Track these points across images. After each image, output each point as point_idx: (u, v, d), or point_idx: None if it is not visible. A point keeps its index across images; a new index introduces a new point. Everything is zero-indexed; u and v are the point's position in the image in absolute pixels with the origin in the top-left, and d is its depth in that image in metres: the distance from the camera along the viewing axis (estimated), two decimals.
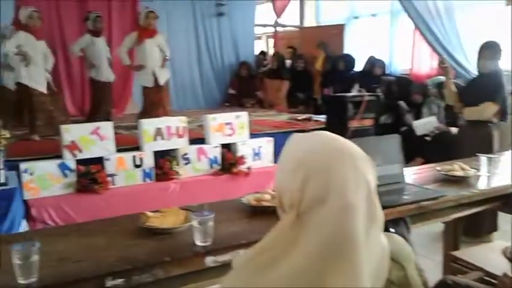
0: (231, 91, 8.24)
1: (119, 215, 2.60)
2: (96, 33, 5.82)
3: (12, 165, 3.46)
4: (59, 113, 5.16)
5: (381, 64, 6.82)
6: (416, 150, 4.72)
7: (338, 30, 8.15)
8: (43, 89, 4.86)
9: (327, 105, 5.33)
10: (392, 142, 2.25)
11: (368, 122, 5.06)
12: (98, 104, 5.94)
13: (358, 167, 0.89)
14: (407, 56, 7.28)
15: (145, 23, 5.36)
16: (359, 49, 7.79)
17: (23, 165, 3.59)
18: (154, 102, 5.44)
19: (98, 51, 5.80)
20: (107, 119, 5.81)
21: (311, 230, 0.86)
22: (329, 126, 5.00)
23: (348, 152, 0.92)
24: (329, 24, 8.61)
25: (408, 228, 2.13)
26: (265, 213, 2.02)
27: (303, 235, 0.87)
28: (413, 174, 2.56)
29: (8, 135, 3.07)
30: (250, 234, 1.81)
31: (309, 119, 5.58)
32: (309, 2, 9.49)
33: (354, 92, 5.93)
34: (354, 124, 4.87)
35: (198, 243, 1.68)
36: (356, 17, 8.29)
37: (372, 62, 6.81)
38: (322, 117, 5.46)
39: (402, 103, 5.11)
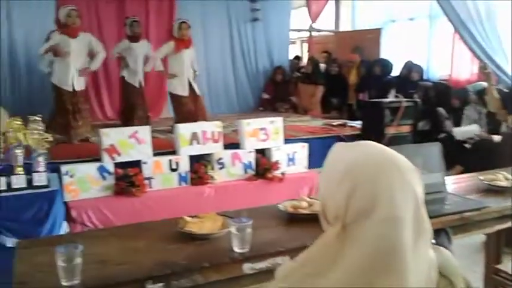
0: (265, 96, 8.25)
1: (157, 219, 2.65)
2: (133, 38, 5.93)
3: (53, 167, 3.56)
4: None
5: (419, 69, 6.69)
6: (456, 157, 4.60)
7: (374, 34, 8.06)
8: (70, 88, 4.88)
9: (362, 110, 5.25)
10: (433, 150, 2.20)
11: (405, 129, 4.96)
12: (133, 108, 6.03)
13: (405, 178, 0.88)
14: (446, 61, 7.12)
15: (179, 34, 5.45)
16: (396, 54, 7.66)
17: (64, 168, 3.69)
18: (192, 112, 5.47)
19: (134, 56, 5.91)
20: (145, 123, 5.95)
21: (357, 242, 0.85)
22: (365, 133, 4.94)
23: (395, 163, 0.90)
24: (365, 29, 8.51)
25: (449, 239, 2.07)
26: (302, 221, 2.01)
27: (349, 247, 0.86)
28: (453, 183, 2.49)
29: (50, 138, 3.16)
30: (287, 242, 1.80)
31: (344, 125, 5.52)
32: (344, 6, 9.41)
33: (390, 98, 5.85)
34: (390, 131, 4.78)
35: (236, 249, 1.68)
36: (393, 21, 8.17)
37: (409, 67, 6.69)
38: (357, 123, 5.39)
39: (441, 109, 4.99)
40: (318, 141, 4.90)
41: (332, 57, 8.54)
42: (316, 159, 4.75)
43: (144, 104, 6.13)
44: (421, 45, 7.52)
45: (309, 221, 2.00)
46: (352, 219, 0.87)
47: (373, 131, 4.79)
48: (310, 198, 2.17)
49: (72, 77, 4.87)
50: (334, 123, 5.66)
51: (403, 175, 0.88)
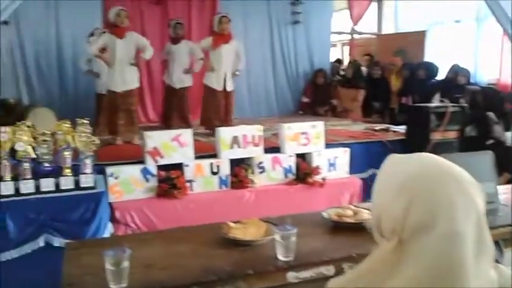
0: (305, 99, 8.20)
1: (198, 222, 2.66)
2: (175, 40, 6.03)
3: (99, 169, 3.65)
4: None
5: (465, 73, 6.48)
6: (504, 165, 4.41)
7: (418, 37, 7.87)
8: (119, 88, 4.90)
9: (406, 115, 5.11)
10: (485, 159, 2.12)
11: (451, 135, 4.79)
12: (172, 110, 6.12)
13: (466, 191, 0.84)
14: (494, 65, 6.86)
15: (219, 28, 5.45)
16: (441, 57, 7.45)
17: (109, 169, 3.77)
18: (220, 107, 5.54)
19: (175, 58, 6.01)
20: (186, 126, 6.02)
21: (414, 258, 0.82)
22: (409, 138, 4.81)
23: (454, 175, 0.87)
24: (409, 31, 8.33)
25: (501, 252, 1.99)
26: (346, 230, 1.97)
27: (406, 263, 0.83)
28: (504, 193, 2.39)
29: (97, 141, 3.24)
30: (332, 252, 1.77)
31: (387, 130, 5.39)
32: (387, 9, 9.25)
33: (435, 102, 5.69)
34: (436, 136, 4.64)
35: (280, 257, 1.67)
36: (438, 23, 7.94)
37: (456, 71, 6.49)
38: (400, 128, 5.25)
39: (491, 114, 4.80)
40: (359, 146, 4.82)
41: (374, 60, 8.41)
42: (357, 165, 4.69)
43: (185, 107, 6.20)
44: (468, 48, 7.28)
45: (354, 230, 1.96)
46: (409, 234, 0.84)
47: (417, 137, 4.66)
48: (356, 206, 2.13)
49: (121, 78, 4.89)
50: (376, 128, 5.54)
51: (463, 188, 0.85)
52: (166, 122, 6.17)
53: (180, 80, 6.07)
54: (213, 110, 5.55)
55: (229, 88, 5.61)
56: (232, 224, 1.89)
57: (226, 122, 5.57)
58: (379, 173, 0.98)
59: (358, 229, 1.98)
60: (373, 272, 0.87)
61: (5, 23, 5.71)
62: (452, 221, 0.81)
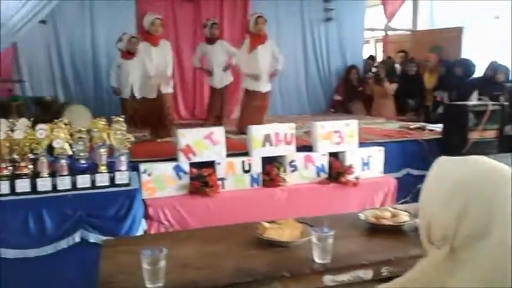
0: (337, 97, 8.10)
1: (230, 220, 2.65)
2: (211, 40, 6.08)
3: (133, 166, 3.68)
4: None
5: (505, 70, 6.27)
6: None
7: (455, 33, 7.66)
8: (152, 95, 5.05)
9: (443, 113, 4.96)
10: None
11: (490, 134, 4.62)
12: (210, 109, 6.26)
13: None
14: None
15: (255, 29, 5.38)
16: (479, 54, 7.22)
17: (142, 166, 3.81)
18: (258, 109, 5.51)
19: (213, 58, 6.08)
20: (219, 123, 6.07)
21: (469, 267, 0.78)
22: (446, 137, 4.67)
23: (510, 180, 0.82)
24: (445, 27, 8.10)
25: None
26: (384, 232, 1.93)
27: (459, 272, 0.79)
28: None
29: (132, 138, 3.27)
30: (370, 255, 1.73)
31: (422, 128, 5.25)
32: (422, 4, 9.03)
33: (473, 100, 5.52)
34: (474, 135, 4.48)
35: (317, 260, 1.63)
36: (476, 20, 7.70)
37: (494, 68, 6.28)
38: (437, 127, 5.11)
39: None
40: (394, 145, 4.72)
41: (408, 57, 8.24)
42: (392, 164, 4.59)
43: (225, 105, 6.31)
44: (507, 44, 7.02)
45: (392, 233, 1.91)
46: (462, 241, 0.80)
47: (455, 136, 4.52)
48: (394, 208, 2.07)
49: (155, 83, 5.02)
50: (411, 126, 5.40)
51: None
52: (209, 120, 6.31)
53: (221, 79, 6.18)
54: (251, 113, 5.50)
55: (266, 89, 5.57)
56: (267, 225, 1.86)
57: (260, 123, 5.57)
58: (428, 177, 0.93)
59: (396, 232, 1.93)
60: (424, 282, 0.83)
61: (43, 22, 5.84)
62: (509, 228, 0.77)
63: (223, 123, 6.19)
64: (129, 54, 5.83)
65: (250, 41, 5.41)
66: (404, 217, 1.97)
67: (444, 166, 0.91)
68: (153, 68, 4.96)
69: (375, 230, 1.94)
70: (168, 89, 5.10)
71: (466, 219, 0.79)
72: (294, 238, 1.78)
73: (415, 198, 4.34)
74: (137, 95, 5.63)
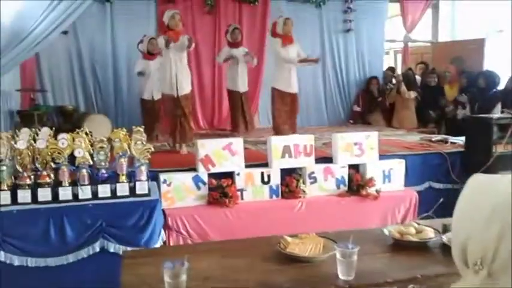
0: (356, 108, 8.04)
1: (249, 231, 2.63)
2: (234, 44, 6.14)
3: (152, 175, 3.68)
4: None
5: None
6: None
7: (477, 45, 7.55)
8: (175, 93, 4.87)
9: (466, 126, 4.87)
10: None
11: None
12: (240, 114, 6.27)
13: None
14: None
15: (284, 30, 5.48)
16: (502, 65, 7.10)
17: (162, 176, 3.82)
18: (289, 111, 5.59)
19: (238, 62, 6.15)
20: (251, 128, 6.29)
21: None
22: (469, 150, 4.58)
23: None
24: (466, 39, 8.00)
25: None
26: (409, 249, 1.89)
27: None
28: None
29: (152, 148, 3.28)
30: (395, 272, 1.69)
31: (445, 141, 5.15)
32: (444, 15, 8.94)
33: (496, 112, 5.42)
34: (498, 149, 4.38)
35: (341, 276, 1.60)
36: (499, 31, 7.59)
37: None
38: (459, 139, 5.01)
39: None
40: (415, 158, 4.64)
41: (429, 68, 8.16)
42: (413, 177, 4.52)
43: (247, 109, 6.36)
44: None
45: (418, 250, 1.87)
46: (502, 266, 0.76)
47: (478, 149, 4.42)
48: (419, 224, 2.02)
49: (175, 81, 4.84)
50: (433, 139, 5.32)
51: None
52: (236, 128, 6.35)
53: (244, 83, 6.24)
54: (279, 113, 5.59)
55: (295, 89, 5.64)
56: (289, 239, 1.84)
57: (293, 126, 5.66)
58: (462, 196, 0.90)
59: (421, 248, 1.88)
60: None
61: (64, 32, 5.94)
62: None
63: (250, 129, 6.35)
64: (150, 55, 5.88)
65: (281, 41, 5.48)
66: (429, 233, 1.92)
67: (480, 184, 0.87)
68: (173, 63, 4.84)
69: (400, 246, 1.90)
70: (186, 89, 4.96)
71: (505, 241, 0.76)
72: (317, 253, 1.75)
73: (437, 213, 4.26)
74: (156, 97, 5.64)
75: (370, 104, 7.70)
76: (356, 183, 4.18)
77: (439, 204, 4.22)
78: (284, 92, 5.58)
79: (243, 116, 6.30)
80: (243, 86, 6.26)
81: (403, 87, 7.08)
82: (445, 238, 1.87)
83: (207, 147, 3.99)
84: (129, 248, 3.06)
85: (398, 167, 4.37)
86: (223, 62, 6.38)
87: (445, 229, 1.97)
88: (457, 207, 0.89)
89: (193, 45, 4.96)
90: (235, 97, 6.31)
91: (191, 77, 5.18)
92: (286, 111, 5.61)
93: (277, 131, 5.55)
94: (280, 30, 5.49)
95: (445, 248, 1.83)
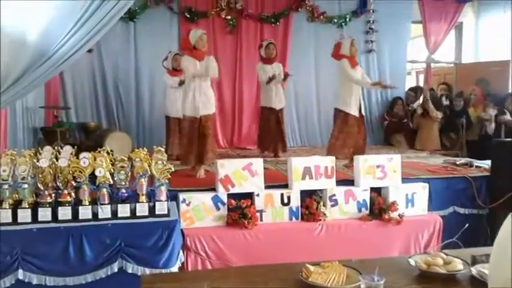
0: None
1: (271, 255, 2.57)
2: (268, 60, 6.10)
3: (171, 195, 3.66)
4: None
5: None
6: None
7: (502, 66, 7.42)
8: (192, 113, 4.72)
9: (492, 149, 4.75)
10: None
11: None
12: (269, 131, 6.14)
13: None
14: None
15: (352, 51, 5.31)
16: None
17: (181, 195, 3.80)
18: (355, 134, 5.27)
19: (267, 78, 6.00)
20: (283, 148, 6.14)
21: None
22: (495, 175, 4.46)
23: None
24: (491, 61, 7.88)
25: None
26: (436, 280, 1.81)
27: None
28: None
29: (172, 168, 3.27)
30: None
31: (469, 165, 5.03)
32: (467, 37, 8.84)
33: None
34: None
35: None
36: None
37: None
38: (485, 163, 4.89)
39: None
40: (439, 181, 4.52)
41: (452, 89, 8.05)
42: (437, 201, 4.41)
43: (283, 127, 6.23)
44: None
45: (445, 282, 1.79)
46: None
47: (505, 174, 4.30)
48: (446, 254, 1.94)
49: (198, 103, 4.71)
50: (457, 162, 5.19)
51: None
52: (263, 146, 6.26)
53: (280, 100, 6.14)
54: (344, 136, 5.27)
55: (363, 111, 5.42)
56: (311, 268, 1.78)
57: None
58: (502, 231, 0.84)
59: (449, 280, 1.81)
60: None
61: (89, 50, 6.03)
62: None
63: (284, 149, 6.17)
64: (174, 71, 5.90)
65: (349, 62, 5.25)
66: (458, 265, 1.84)
67: None
68: (197, 83, 4.69)
69: (426, 277, 1.82)
70: (209, 110, 4.79)
71: None
72: (341, 284, 1.69)
73: (462, 239, 4.13)
74: (180, 114, 5.51)
75: (394, 125, 7.57)
76: (378, 207, 4.10)
77: (464, 230, 4.10)
78: (349, 114, 5.27)
79: (279, 135, 6.12)
80: (279, 103, 6.12)
81: (431, 106, 6.97)
82: (474, 271, 1.79)
83: (226, 167, 3.96)
84: (147, 269, 3.03)
85: (421, 191, 4.27)
86: (267, 83, 6.07)
87: (475, 261, 1.89)
88: (496, 245, 0.85)
89: (216, 75, 4.87)
90: (269, 115, 6.13)
91: (215, 98, 5.03)
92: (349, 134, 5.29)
93: (336, 153, 5.06)
94: (347, 51, 5.30)
95: (474, 281, 1.75)
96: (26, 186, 3.02)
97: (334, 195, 4.13)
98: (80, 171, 3.06)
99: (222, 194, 3.91)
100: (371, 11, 7.91)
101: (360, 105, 5.31)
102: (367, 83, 5.47)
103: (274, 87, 6.06)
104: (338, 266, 1.82)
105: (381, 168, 4.20)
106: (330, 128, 7.79)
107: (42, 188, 3.04)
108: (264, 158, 4.89)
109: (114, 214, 3.12)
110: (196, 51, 4.70)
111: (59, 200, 3.09)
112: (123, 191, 3.18)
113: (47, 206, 3.05)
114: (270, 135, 6.15)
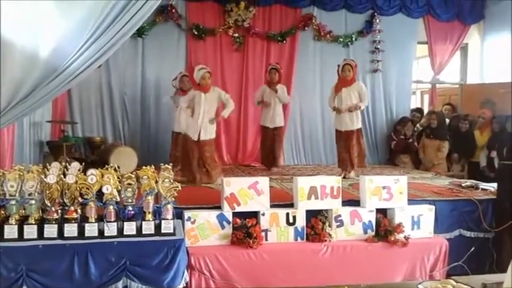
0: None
1: (272, 272, 2.53)
2: (270, 83, 6.47)
3: (177, 212, 3.64)
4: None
5: None
6: None
7: (508, 88, 7.40)
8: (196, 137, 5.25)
9: (498, 172, 4.73)
10: None
11: None
12: (269, 151, 6.68)
13: None
14: None
15: (343, 74, 5.90)
16: None
17: (187, 213, 3.79)
18: (347, 148, 5.93)
19: (269, 100, 6.47)
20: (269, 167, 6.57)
21: None
22: (501, 198, 4.43)
23: None
24: (496, 82, 7.88)
25: None
26: None
27: None
28: None
29: (179, 187, 3.26)
30: None
31: (475, 187, 5.01)
32: (472, 58, 8.87)
33: None
34: None
35: None
36: None
37: None
38: (491, 186, 4.86)
39: None
40: (445, 204, 4.50)
41: (456, 109, 8.05)
42: (443, 224, 4.39)
43: (278, 146, 6.75)
44: None
45: None
46: None
47: (511, 196, 4.27)
48: (456, 282, 1.92)
49: (200, 128, 5.24)
50: (463, 184, 5.17)
51: None
52: (266, 164, 6.79)
53: (273, 120, 6.56)
54: (344, 152, 6.01)
55: (354, 126, 6.00)
56: None
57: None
58: None
59: None
60: None
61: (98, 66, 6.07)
62: None
63: (275, 165, 6.71)
64: (182, 91, 6.11)
65: (336, 84, 5.96)
66: None
67: None
68: (202, 112, 5.23)
69: None
70: (209, 135, 5.35)
71: None
72: None
73: (467, 262, 4.10)
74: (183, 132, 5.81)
75: (400, 145, 7.53)
76: (384, 229, 4.07)
77: (470, 253, 4.08)
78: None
79: (271, 152, 6.65)
80: (271, 123, 6.58)
81: (446, 144, 7.07)
82: None
83: (232, 185, 3.96)
84: None
85: (428, 213, 4.25)
86: (258, 104, 6.70)
87: None
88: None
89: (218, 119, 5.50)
90: (265, 133, 6.68)
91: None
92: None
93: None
94: (341, 73, 5.97)
95: None
96: (33, 202, 3.02)
97: (339, 215, 4.11)
98: (87, 188, 3.06)
99: (228, 212, 3.90)
100: (377, 30, 7.96)
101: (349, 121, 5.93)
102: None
103: (271, 108, 6.52)
104: None
105: (387, 189, 4.18)
106: (334, 147, 7.86)
107: (49, 204, 3.04)
108: (270, 176, 4.92)
109: (120, 232, 3.11)
110: (201, 86, 5.29)
111: (65, 216, 3.08)
112: (130, 208, 3.17)
113: (53, 222, 3.04)
114: (265, 151, 6.78)
